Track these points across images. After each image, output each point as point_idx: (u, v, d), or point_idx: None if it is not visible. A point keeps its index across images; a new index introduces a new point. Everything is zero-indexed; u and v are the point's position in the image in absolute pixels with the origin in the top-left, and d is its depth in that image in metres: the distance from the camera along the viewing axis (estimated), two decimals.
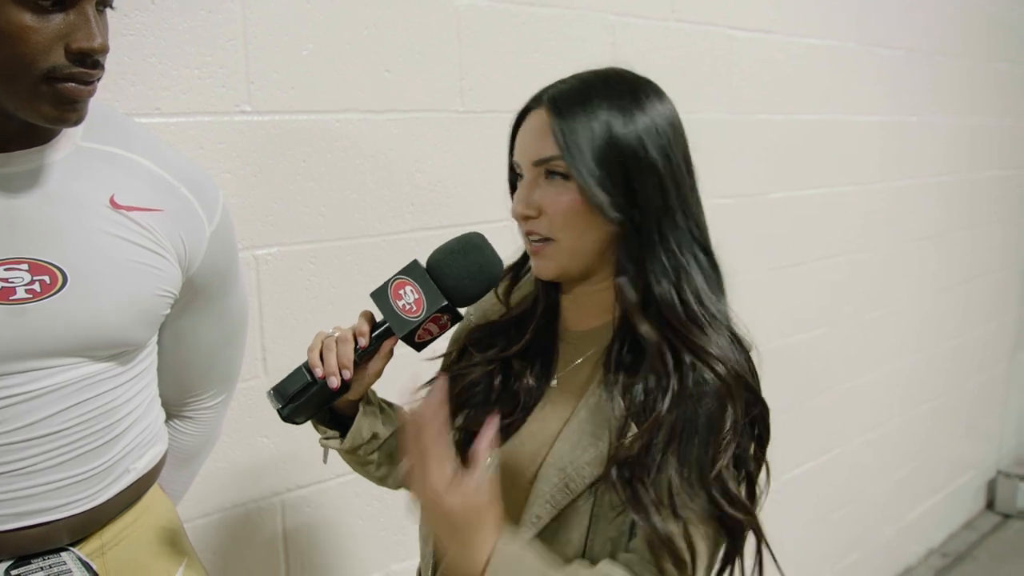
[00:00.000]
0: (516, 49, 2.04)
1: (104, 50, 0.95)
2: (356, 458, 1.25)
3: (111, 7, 0.99)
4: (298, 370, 1.13)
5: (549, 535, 1.07)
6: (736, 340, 1.11)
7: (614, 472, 1.03)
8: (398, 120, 1.86)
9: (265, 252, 1.68)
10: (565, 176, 1.07)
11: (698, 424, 1.03)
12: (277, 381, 1.15)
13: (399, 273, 1.13)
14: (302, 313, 1.75)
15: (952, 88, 3.59)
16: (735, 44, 2.61)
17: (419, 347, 1.14)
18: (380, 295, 1.13)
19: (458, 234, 1.17)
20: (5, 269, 0.99)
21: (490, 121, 2.00)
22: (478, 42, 1.97)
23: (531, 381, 1.16)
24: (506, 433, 1.15)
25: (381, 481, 1.32)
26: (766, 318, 2.79)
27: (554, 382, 1.17)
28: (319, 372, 1.11)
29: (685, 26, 2.44)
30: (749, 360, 1.11)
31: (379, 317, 1.15)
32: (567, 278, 1.15)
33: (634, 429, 1.04)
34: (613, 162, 1.05)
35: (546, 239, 1.10)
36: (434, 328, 1.12)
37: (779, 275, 2.87)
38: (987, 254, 4.03)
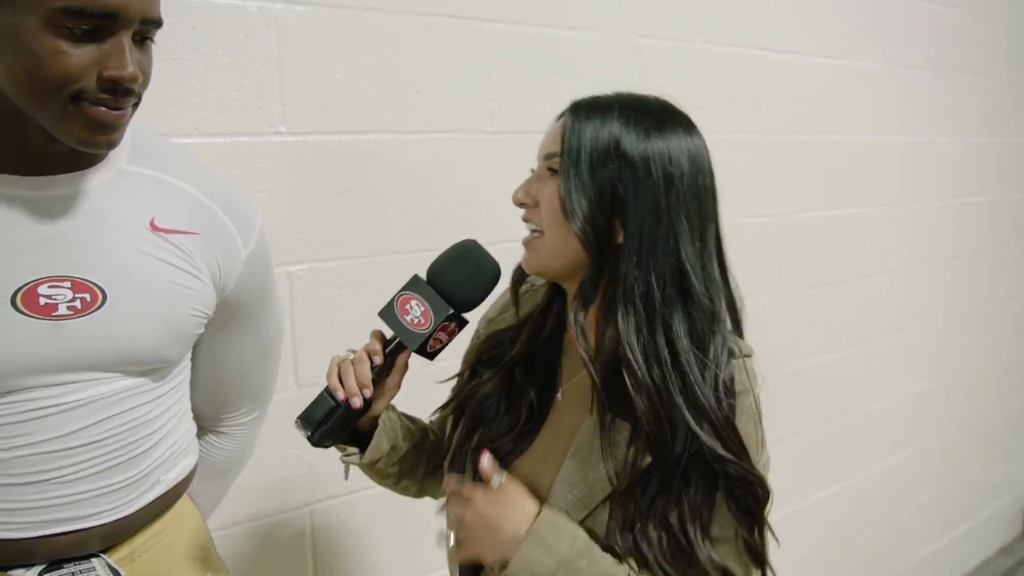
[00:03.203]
0: (543, 71, 2.07)
1: (134, 79, 0.96)
2: (376, 471, 1.26)
3: (151, 40, 1.01)
4: (321, 396, 1.15)
5: None
6: (725, 392, 1.05)
7: (618, 517, 1.05)
8: (427, 140, 1.89)
9: (298, 268, 1.72)
10: None
11: (685, 488, 1.04)
12: (303, 408, 1.17)
13: (403, 289, 1.16)
14: (333, 328, 1.78)
15: (978, 108, 3.57)
16: (762, 65, 2.62)
17: (432, 356, 1.17)
18: (388, 313, 1.16)
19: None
20: (49, 287, 1.02)
21: (518, 141, 2.02)
22: (506, 64, 2.00)
23: (534, 394, 1.17)
24: (519, 445, 1.16)
25: (404, 491, 1.34)
26: (793, 338, 2.78)
27: (560, 396, 1.18)
28: (341, 395, 1.14)
29: (712, 48, 2.46)
30: (730, 417, 1.05)
31: (389, 334, 1.17)
32: (551, 276, 1.16)
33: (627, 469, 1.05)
34: (608, 175, 1.04)
35: (538, 232, 1.12)
36: (443, 336, 1.15)
37: (806, 295, 2.86)
38: (1018, 273, 3.99)
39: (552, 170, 1.09)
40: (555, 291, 1.21)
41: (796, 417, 2.84)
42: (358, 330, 1.82)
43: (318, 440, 1.16)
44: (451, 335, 1.16)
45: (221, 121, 1.60)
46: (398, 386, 1.20)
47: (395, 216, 1.85)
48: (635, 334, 1.04)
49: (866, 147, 3.03)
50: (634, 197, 1.04)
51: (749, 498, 1.04)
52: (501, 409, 1.19)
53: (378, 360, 1.16)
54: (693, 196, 1.07)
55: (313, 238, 1.74)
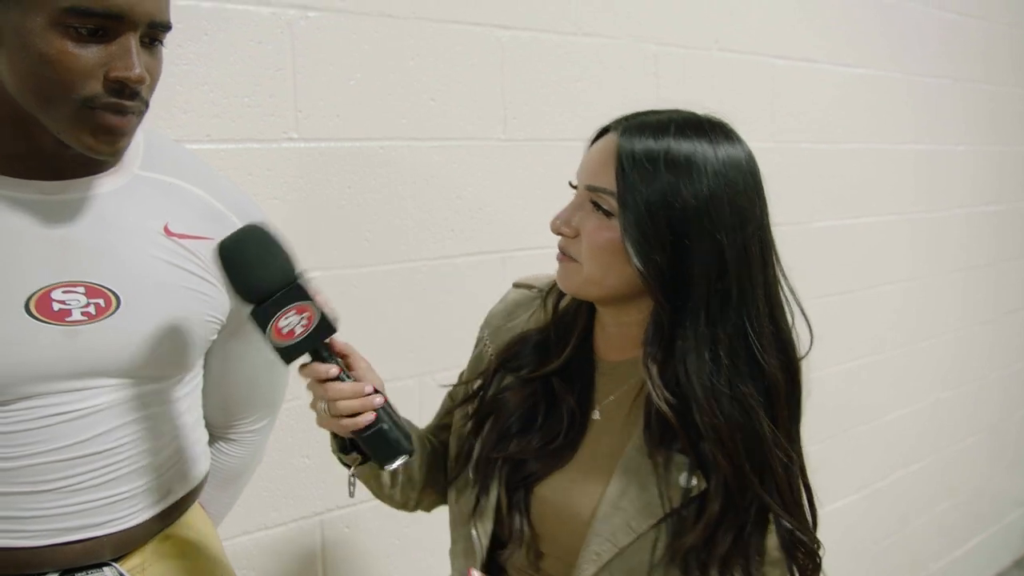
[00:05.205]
0: (558, 78, 2.06)
1: (141, 81, 0.96)
2: (377, 483, 1.23)
3: (160, 42, 1.00)
4: (374, 434, 1.07)
5: (611, 568, 1.07)
6: (792, 452, 1.07)
7: (679, 561, 1.04)
8: (441, 148, 1.88)
9: (310, 276, 1.71)
10: (609, 213, 1.04)
11: (746, 535, 1.04)
12: (375, 455, 1.10)
13: (263, 320, 1.02)
14: (345, 336, 1.75)
15: (996, 116, 3.54)
16: (778, 73, 2.61)
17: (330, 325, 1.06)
18: (291, 349, 1.04)
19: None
20: (63, 292, 1.02)
21: (532, 149, 2.02)
22: (520, 71, 2.00)
23: (573, 407, 1.14)
24: (552, 462, 1.13)
25: (403, 506, 1.29)
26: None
27: (596, 415, 1.15)
28: (368, 417, 1.05)
29: (728, 55, 2.45)
30: (803, 481, 1.09)
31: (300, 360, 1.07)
32: (585, 299, 1.13)
33: (686, 516, 1.05)
34: (669, 216, 1.01)
35: (576, 261, 1.08)
36: (305, 312, 1.03)
37: (822, 304, 2.84)
38: None
39: (596, 204, 1.05)
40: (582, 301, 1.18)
41: (812, 426, 2.80)
42: (370, 338, 1.83)
43: (408, 451, 1.09)
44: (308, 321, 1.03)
45: (233, 127, 1.59)
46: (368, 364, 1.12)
47: (409, 224, 1.85)
48: (709, 380, 1.02)
49: (881, 155, 3.01)
50: (699, 238, 1.01)
51: (804, 558, 1.07)
52: (536, 421, 1.15)
53: (334, 370, 1.05)
54: (756, 232, 1.05)
55: (325, 245, 1.73)
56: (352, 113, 1.74)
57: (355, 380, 1.06)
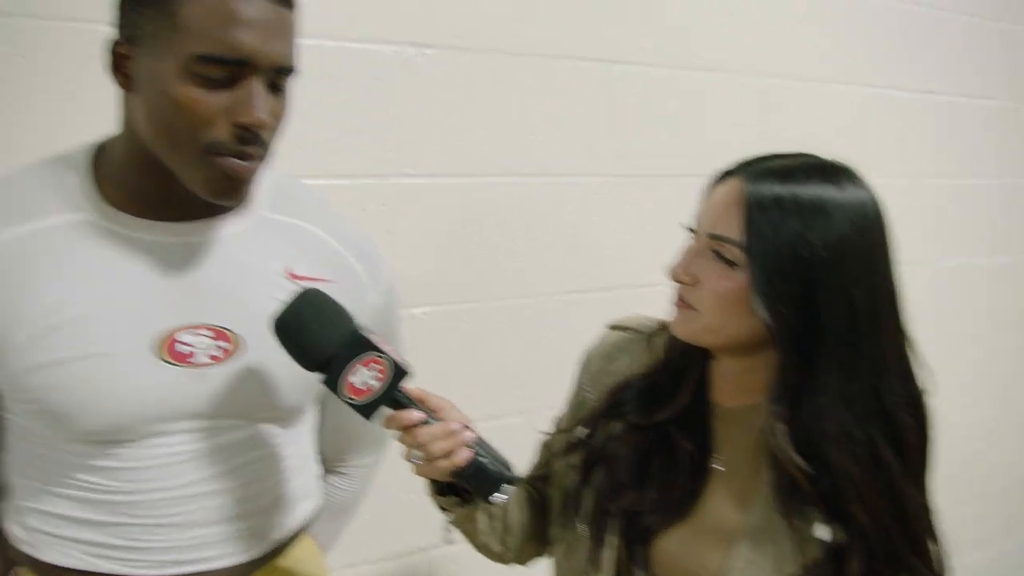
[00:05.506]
0: (669, 113, 2.04)
1: (264, 126, 0.96)
2: (473, 528, 1.18)
3: (285, 87, 1.01)
4: (476, 472, 1.05)
5: None
6: (926, 503, 1.04)
7: None
8: (551, 184, 1.88)
9: (421, 311, 1.72)
10: (732, 263, 1.01)
11: None
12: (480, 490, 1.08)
13: (333, 379, 1.01)
14: (456, 371, 1.77)
15: None
16: (886, 105, 2.54)
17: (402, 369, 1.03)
18: (369, 405, 1.02)
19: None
20: (188, 334, 1.03)
21: (643, 185, 2.00)
22: (632, 107, 1.98)
23: (692, 456, 1.09)
24: (670, 516, 1.08)
25: (499, 557, 1.25)
26: None
27: (719, 466, 1.10)
28: (464, 454, 1.03)
29: (843, 88, 2.39)
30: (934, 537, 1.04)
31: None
32: (700, 345, 1.09)
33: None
34: (801, 270, 0.98)
35: (695, 309, 1.05)
36: (376, 364, 1.01)
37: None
38: None
39: (718, 253, 1.02)
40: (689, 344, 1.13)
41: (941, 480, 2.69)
42: (480, 374, 1.83)
43: (511, 479, 1.06)
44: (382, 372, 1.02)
45: (350, 163, 1.62)
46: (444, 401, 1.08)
47: (519, 260, 1.85)
48: (841, 436, 0.99)
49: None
50: (829, 287, 0.98)
51: None
52: (651, 470, 1.11)
53: (419, 415, 1.03)
54: (886, 278, 1.02)
55: (437, 281, 1.74)
56: (463, 149, 1.75)
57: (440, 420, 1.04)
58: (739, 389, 1.10)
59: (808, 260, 0.97)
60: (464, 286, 1.78)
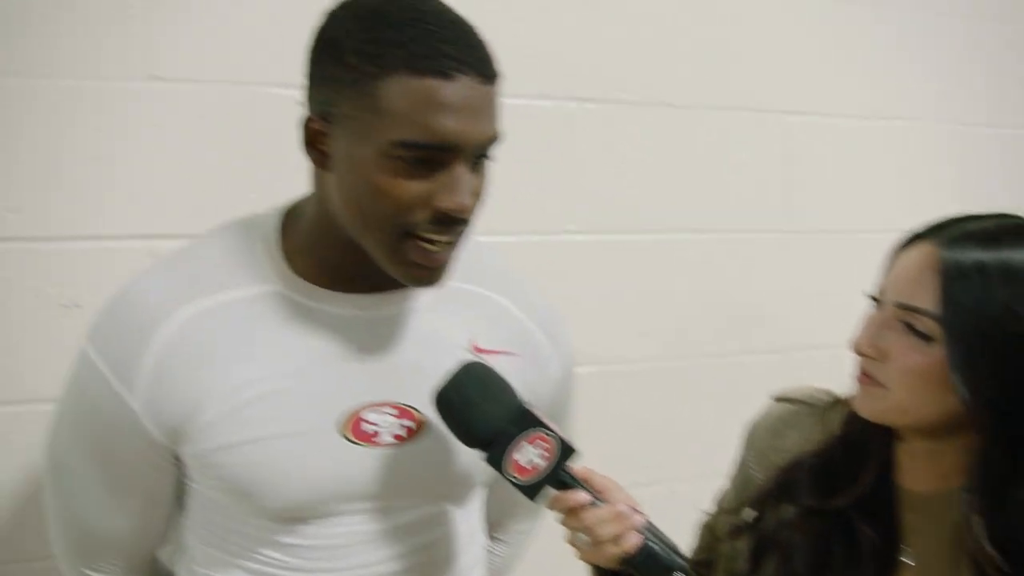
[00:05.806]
0: (846, 165, 1.96)
1: (466, 210, 0.92)
2: None
3: (485, 158, 0.96)
4: (646, 556, 0.98)
5: None
6: None
7: None
8: (720, 239, 1.84)
9: (585, 371, 1.68)
10: (926, 337, 0.93)
11: None
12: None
13: (498, 456, 0.96)
14: (617, 435, 1.73)
15: None
16: None
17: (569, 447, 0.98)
18: (534, 486, 0.97)
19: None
20: (374, 413, 1.01)
21: (817, 241, 1.93)
22: (805, 158, 1.92)
23: (879, 548, 1.00)
24: None
25: None
26: None
27: (908, 560, 1.00)
28: (634, 539, 0.96)
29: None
30: None
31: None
32: (889, 425, 1.00)
33: None
34: (1002, 345, 0.90)
35: (882, 386, 0.96)
36: (545, 442, 0.96)
37: None
38: None
39: (909, 325, 0.94)
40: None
41: None
42: (645, 435, 1.78)
43: (684, 567, 0.98)
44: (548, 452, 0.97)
45: (513, 220, 1.61)
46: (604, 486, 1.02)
47: (687, 319, 1.81)
48: None
49: None
50: None
51: None
52: (831, 561, 1.02)
53: (586, 496, 0.97)
54: None
55: (600, 340, 1.72)
56: (631, 204, 1.73)
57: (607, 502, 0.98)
58: (931, 473, 1.00)
59: (1016, 334, 0.88)
60: (629, 345, 1.75)
